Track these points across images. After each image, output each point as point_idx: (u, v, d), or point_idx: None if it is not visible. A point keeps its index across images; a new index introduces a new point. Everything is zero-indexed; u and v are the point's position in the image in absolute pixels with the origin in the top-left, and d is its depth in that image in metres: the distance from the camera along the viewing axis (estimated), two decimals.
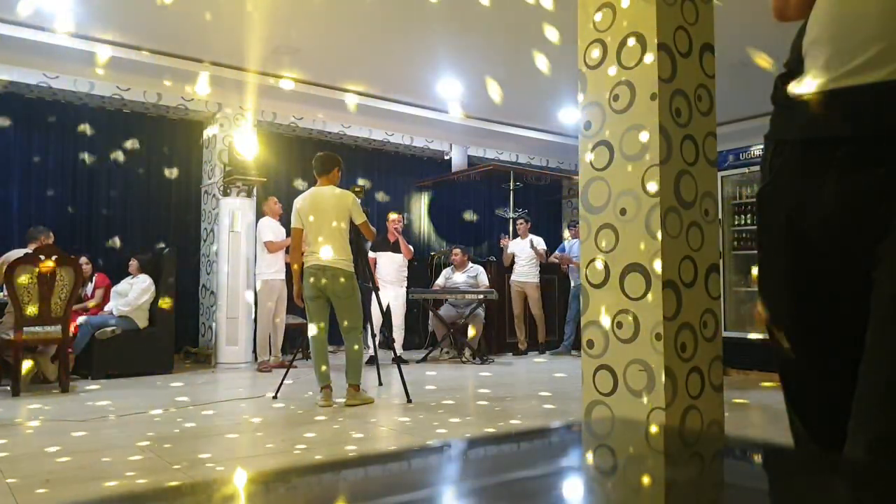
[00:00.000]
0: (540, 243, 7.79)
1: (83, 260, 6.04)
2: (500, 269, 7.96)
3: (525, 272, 7.75)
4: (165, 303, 5.96)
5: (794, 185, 1.06)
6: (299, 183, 7.53)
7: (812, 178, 1.03)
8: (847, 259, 1.01)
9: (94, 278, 6.41)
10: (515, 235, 8.18)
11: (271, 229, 6.40)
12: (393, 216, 7.07)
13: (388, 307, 6.63)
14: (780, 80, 1.10)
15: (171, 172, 7.39)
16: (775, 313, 1.13)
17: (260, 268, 6.42)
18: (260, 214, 6.66)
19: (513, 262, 7.84)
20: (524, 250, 7.79)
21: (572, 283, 7.53)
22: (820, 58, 1.01)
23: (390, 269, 6.91)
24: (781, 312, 1.12)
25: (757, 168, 5.64)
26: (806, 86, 1.04)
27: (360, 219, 4.48)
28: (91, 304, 6.27)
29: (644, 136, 2.72)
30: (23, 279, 4.81)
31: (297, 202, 4.52)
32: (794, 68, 1.07)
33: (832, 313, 1.04)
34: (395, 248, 6.94)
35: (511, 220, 8.81)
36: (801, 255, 1.06)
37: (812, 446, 1.08)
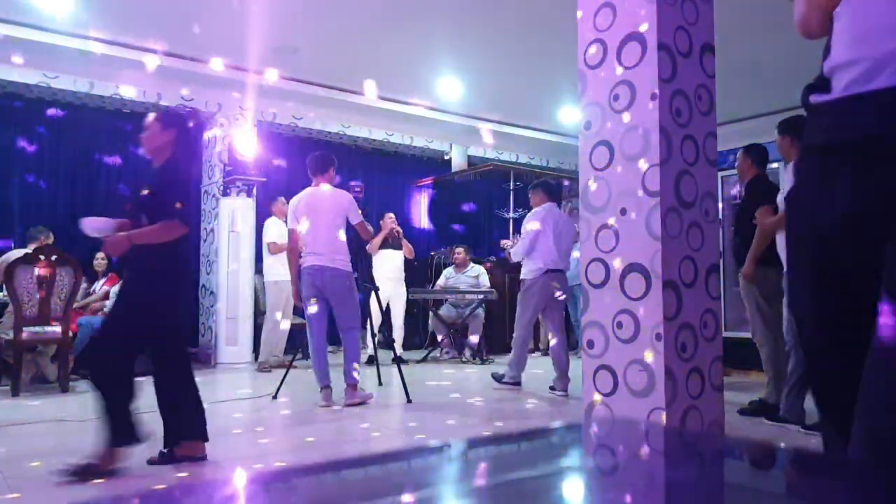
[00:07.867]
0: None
1: (99, 255, 6.08)
2: (502, 270, 7.96)
3: None
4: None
5: (816, 189, 1.09)
6: (299, 182, 7.51)
7: (830, 181, 1.05)
8: (863, 260, 1.02)
9: (107, 275, 6.40)
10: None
11: (277, 230, 6.37)
12: (389, 215, 7.04)
13: (387, 306, 6.61)
14: (807, 90, 1.13)
15: None
16: (802, 316, 1.17)
17: (267, 269, 6.40)
18: (263, 214, 6.64)
19: None
20: None
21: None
22: (843, 80, 1.03)
23: (389, 267, 6.88)
24: (807, 315, 1.15)
25: None
26: (828, 94, 1.07)
27: (356, 218, 4.46)
28: (94, 298, 6.25)
29: (644, 136, 2.72)
30: (22, 279, 4.81)
31: (294, 202, 4.49)
32: (821, 86, 1.10)
33: (854, 315, 1.06)
34: (393, 246, 6.91)
35: (511, 221, 8.79)
36: (823, 258, 1.09)
37: (842, 446, 1.10)
